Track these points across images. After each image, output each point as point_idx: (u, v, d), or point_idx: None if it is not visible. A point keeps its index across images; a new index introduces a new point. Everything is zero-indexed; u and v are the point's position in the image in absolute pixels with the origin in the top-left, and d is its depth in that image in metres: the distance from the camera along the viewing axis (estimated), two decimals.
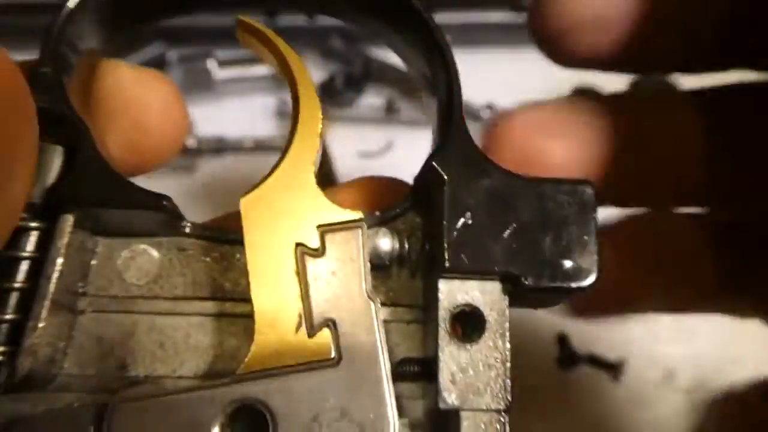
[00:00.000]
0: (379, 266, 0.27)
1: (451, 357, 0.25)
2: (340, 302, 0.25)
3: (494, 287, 0.25)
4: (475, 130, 0.70)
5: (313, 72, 0.73)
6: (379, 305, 0.25)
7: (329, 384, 0.24)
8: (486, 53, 0.72)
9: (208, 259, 0.27)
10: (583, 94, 0.65)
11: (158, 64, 0.64)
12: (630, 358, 0.51)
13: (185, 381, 0.25)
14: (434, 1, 0.71)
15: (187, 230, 0.27)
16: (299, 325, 0.25)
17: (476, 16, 0.71)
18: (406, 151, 0.64)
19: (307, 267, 0.25)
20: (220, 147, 0.63)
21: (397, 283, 0.27)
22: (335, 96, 0.67)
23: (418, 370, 0.26)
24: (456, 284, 0.25)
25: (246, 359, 0.24)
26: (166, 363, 0.26)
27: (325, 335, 0.24)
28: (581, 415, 0.50)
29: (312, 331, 0.24)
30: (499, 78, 0.71)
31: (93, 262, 0.26)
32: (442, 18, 0.70)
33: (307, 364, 0.24)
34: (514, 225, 0.25)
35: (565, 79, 0.70)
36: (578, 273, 0.25)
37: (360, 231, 0.26)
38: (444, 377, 0.24)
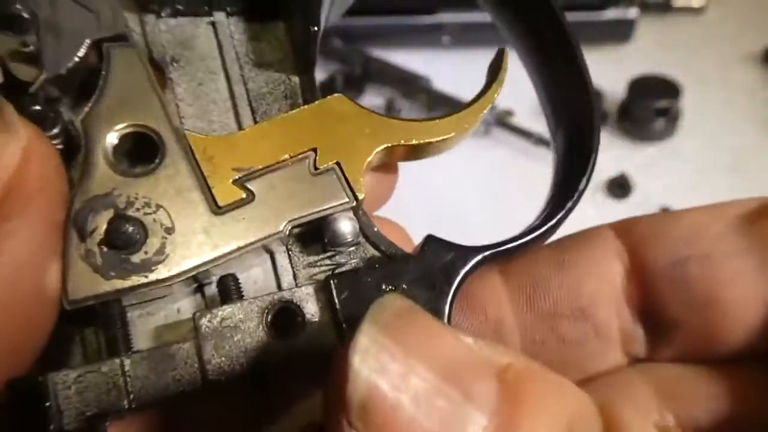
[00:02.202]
0: None
1: None
2: None
3: None
4: (475, 131, 0.70)
5: (316, 72, 0.73)
6: None
7: None
8: (486, 53, 0.72)
9: None
10: None
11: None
12: None
13: None
14: (435, 1, 0.71)
15: None
16: None
17: (476, 16, 0.71)
18: None
19: None
20: None
21: None
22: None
23: None
24: None
25: None
26: None
27: None
28: None
29: None
30: None
31: None
32: (442, 18, 0.71)
33: None
34: None
35: None
36: None
37: None
38: None
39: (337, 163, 0.24)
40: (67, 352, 0.21)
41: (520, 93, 0.73)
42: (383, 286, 0.22)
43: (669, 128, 0.65)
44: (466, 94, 0.72)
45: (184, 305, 0.22)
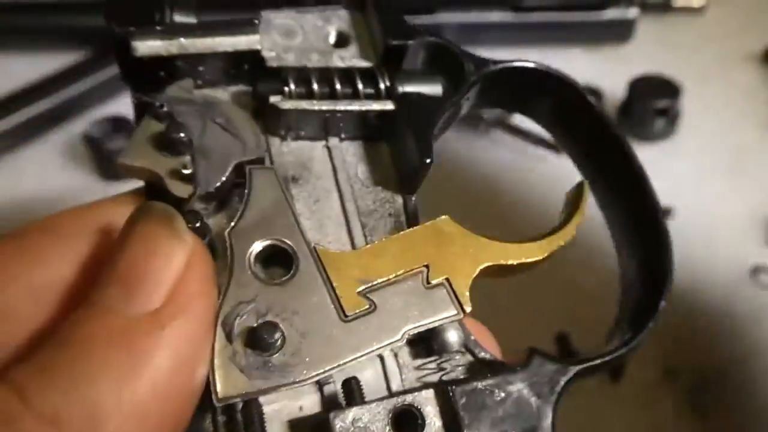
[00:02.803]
0: None
1: None
2: None
3: None
4: (475, 131, 0.70)
5: None
6: None
7: None
8: (486, 53, 0.72)
9: None
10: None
11: None
12: (630, 357, 0.51)
13: None
14: (435, 1, 0.71)
15: None
16: None
17: (476, 16, 0.71)
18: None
19: None
20: None
21: None
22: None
23: None
24: None
25: None
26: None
27: None
28: (581, 415, 0.50)
29: None
30: None
31: None
32: (442, 18, 0.70)
33: None
34: None
35: None
36: None
37: None
38: None
39: (447, 279, 0.27)
40: None
41: None
42: (495, 393, 0.25)
43: (669, 128, 0.65)
44: None
45: (306, 403, 0.25)
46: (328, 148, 0.30)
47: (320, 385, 0.25)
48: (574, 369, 0.27)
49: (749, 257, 0.57)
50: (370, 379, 0.25)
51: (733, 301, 0.55)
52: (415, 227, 0.28)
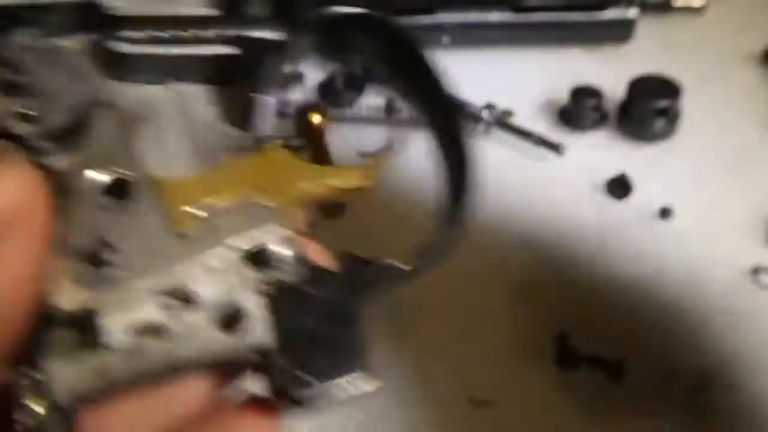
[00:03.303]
0: None
1: None
2: None
3: None
4: (474, 131, 0.70)
5: (313, 72, 0.73)
6: None
7: None
8: (486, 53, 0.73)
9: None
10: (583, 93, 0.65)
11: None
12: (630, 358, 0.51)
13: None
14: (434, 1, 0.71)
15: None
16: None
17: (476, 16, 0.71)
18: (406, 151, 0.64)
19: None
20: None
21: None
22: (335, 96, 0.67)
23: None
24: None
25: None
26: None
27: None
28: (581, 415, 0.50)
29: None
30: (499, 78, 0.71)
31: None
32: (442, 18, 0.70)
33: None
34: None
35: (565, 79, 0.70)
36: None
37: None
38: None
39: (276, 200, 0.30)
40: (41, 353, 0.27)
41: (520, 93, 0.74)
42: (310, 290, 0.29)
43: (669, 128, 0.65)
44: (466, 93, 0.72)
45: (144, 314, 0.27)
46: (174, 92, 0.32)
47: (158, 298, 0.28)
48: (387, 270, 0.31)
49: (749, 257, 0.57)
50: (207, 294, 0.28)
51: (733, 301, 0.55)
52: (246, 156, 0.32)
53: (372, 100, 0.67)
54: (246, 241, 0.29)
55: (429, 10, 0.70)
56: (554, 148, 0.62)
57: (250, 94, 0.32)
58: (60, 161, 0.29)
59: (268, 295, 0.28)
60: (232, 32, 0.32)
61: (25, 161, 0.27)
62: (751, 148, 0.65)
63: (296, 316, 0.28)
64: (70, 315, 0.27)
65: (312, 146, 0.64)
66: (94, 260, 0.27)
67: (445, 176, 0.36)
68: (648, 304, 0.55)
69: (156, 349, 0.27)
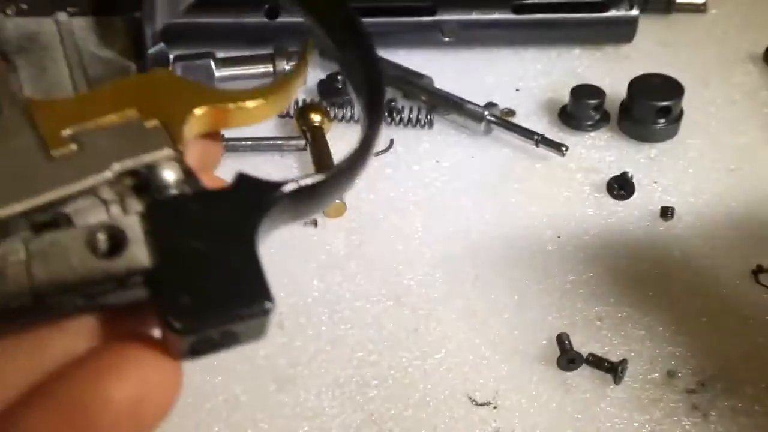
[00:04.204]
0: None
1: None
2: None
3: None
4: (476, 130, 0.70)
5: (313, 72, 0.74)
6: None
7: None
8: (487, 53, 0.72)
9: None
10: (583, 93, 0.65)
11: (160, 62, 0.64)
12: (630, 358, 0.51)
13: None
14: (436, 1, 0.71)
15: None
16: None
17: (476, 15, 0.71)
18: (406, 151, 0.65)
19: None
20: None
21: None
22: (335, 96, 0.67)
23: None
24: None
25: None
26: None
27: None
28: (581, 415, 0.50)
29: None
30: (501, 77, 0.71)
31: None
32: (442, 18, 0.70)
33: None
34: None
35: (565, 78, 0.70)
36: None
37: None
38: None
39: (161, 122, 0.27)
40: None
41: (520, 93, 0.74)
42: (195, 208, 0.25)
43: (670, 128, 0.65)
44: (467, 93, 0.73)
45: (18, 242, 0.25)
46: (57, 22, 0.30)
47: (35, 228, 0.25)
48: (282, 189, 0.27)
49: (749, 257, 0.57)
50: (85, 219, 0.26)
51: (734, 302, 0.55)
52: (129, 77, 0.29)
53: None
54: (128, 164, 0.26)
55: (430, 11, 0.71)
56: (557, 147, 0.62)
57: (136, 20, 0.30)
58: None
59: (146, 215, 0.25)
60: None
61: None
62: (752, 149, 0.65)
63: (179, 236, 0.25)
64: None
65: (312, 146, 0.64)
66: None
67: (357, 91, 0.33)
68: (648, 303, 0.55)
69: (17, 270, 0.23)
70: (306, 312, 0.54)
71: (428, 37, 0.71)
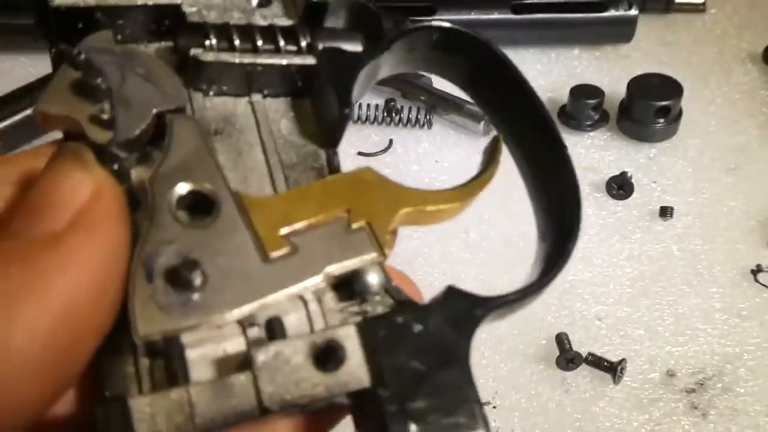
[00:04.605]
0: None
1: None
2: None
3: None
4: (476, 130, 0.70)
5: None
6: None
7: None
8: None
9: None
10: (583, 92, 0.65)
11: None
12: (629, 357, 0.51)
13: None
14: (435, 1, 0.71)
15: None
16: None
17: (476, 16, 0.71)
18: (406, 151, 0.65)
19: None
20: None
21: None
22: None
23: None
24: None
25: None
26: None
27: None
28: (581, 415, 0.50)
29: None
30: None
31: None
32: (441, 17, 0.70)
33: None
34: None
35: (565, 79, 0.70)
36: None
37: None
38: None
39: (368, 223, 0.27)
40: (121, 384, 0.24)
41: None
42: (413, 326, 0.25)
43: (670, 128, 0.65)
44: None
45: (230, 347, 0.25)
46: (251, 104, 0.30)
47: (244, 328, 0.25)
48: (489, 303, 0.27)
49: (749, 257, 0.57)
50: (294, 322, 0.26)
51: (733, 301, 0.55)
52: (336, 174, 0.29)
53: (372, 99, 0.67)
54: (338, 268, 0.26)
55: (430, 11, 0.71)
56: None
57: (340, 109, 0.29)
58: (136, 170, 0.27)
59: (364, 329, 0.25)
60: (309, 42, 0.30)
61: (98, 164, 0.25)
62: (751, 148, 0.65)
63: (397, 353, 0.25)
64: (149, 342, 0.24)
65: None
66: (177, 281, 0.24)
67: (545, 213, 0.34)
68: (648, 303, 0.55)
69: (242, 383, 0.24)
70: None
71: None
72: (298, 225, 0.27)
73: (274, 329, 0.25)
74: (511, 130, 0.35)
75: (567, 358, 0.51)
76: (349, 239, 0.27)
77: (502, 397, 0.50)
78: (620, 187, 0.61)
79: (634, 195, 0.61)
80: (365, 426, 0.25)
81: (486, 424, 0.24)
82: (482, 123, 0.64)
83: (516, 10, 0.71)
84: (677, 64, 0.70)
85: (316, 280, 0.26)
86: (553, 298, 0.55)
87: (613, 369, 0.50)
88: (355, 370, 0.24)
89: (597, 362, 0.51)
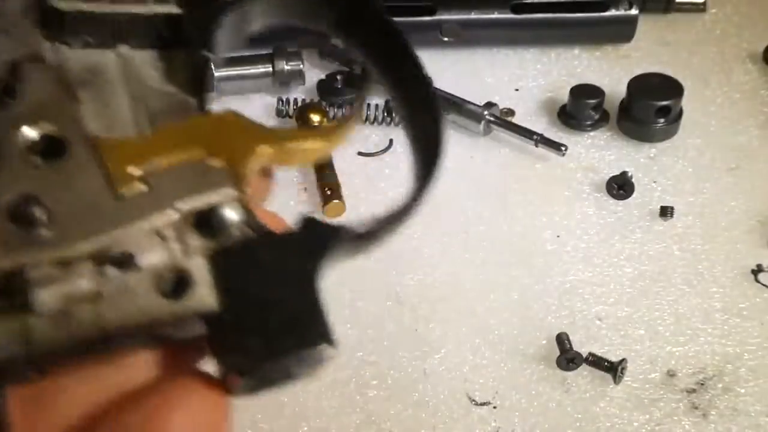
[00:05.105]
0: None
1: None
2: None
3: None
4: (476, 130, 0.70)
5: (312, 72, 0.74)
6: None
7: None
8: (487, 53, 0.72)
9: None
10: (583, 92, 0.65)
11: None
12: (630, 357, 0.51)
13: None
14: (436, 0, 0.71)
15: None
16: None
17: (476, 15, 0.71)
18: (406, 151, 0.64)
19: None
20: None
21: None
22: (335, 96, 0.67)
23: None
24: None
25: None
26: None
27: None
28: (581, 415, 0.50)
29: None
30: (500, 77, 0.71)
31: None
32: (442, 18, 0.70)
33: None
34: None
35: (565, 78, 0.70)
36: None
37: None
38: None
39: (226, 162, 0.27)
40: None
41: (520, 93, 0.74)
42: (263, 254, 0.26)
43: (670, 128, 0.65)
44: (467, 93, 0.72)
45: (79, 282, 0.25)
46: (119, 55, 0.30)
47: (95, 264, 0.25)
48: (342, 231, 0.27)
49: (749, 257, 0.57)
50: (154, 260, 0.26)
51: (734, 301, 0.55)
52: (195, 116, 0.29)
53: (372, 100, 0.67)
54: (193, 204, 0.27)
55: (431, 11, 0.70)
56: (557, 147, 0.62)
57: (201, 55, 0.29)
58: None
59: (213, 257, 0.26)
60: None
61: None
62: (752, 148, 0.65)
63: (245, 279, 0.25)
64: None
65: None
66: (23, 220, 0.25)
67: (416, 151, 0.34)
68: (648, 303, 0.55)
69: (86, 311, 0.24)
70: None
71: (428, 37, 0.71)
72: (154, 164, 0.27)
73: (125, 264, 0.25)
74: (384, 71, 0.35)
75: (567, 358, 0.51)
76: (206, 177, 0.27)
77: (502, 397, 0.50)
78: (620, 187, 0.61)
79: (634, 195, 0.61)
80: (218, 355, 0.25)
81: (332, 344, 0.25)
82: (482, 123, 0.64)
83: (516, 9, 0.71)
84: (678, 64, 0.70)
85: (169, 215, 0.26)
86: (553, 298, 0.55)
87: (614, 369, 0.50)
88: (203, 296, 0.25)
89: (597, 362, 0.51)
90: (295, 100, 0.66)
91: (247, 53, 0.68)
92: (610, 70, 0.71)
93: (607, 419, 0.49)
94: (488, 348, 0.52)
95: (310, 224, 0.27)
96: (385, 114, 0.65)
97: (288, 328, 0.25)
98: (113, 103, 0.30)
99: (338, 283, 0.56)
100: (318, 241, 0.27)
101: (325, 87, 0.68)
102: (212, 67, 0.30)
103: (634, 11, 0.71)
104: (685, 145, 0.65)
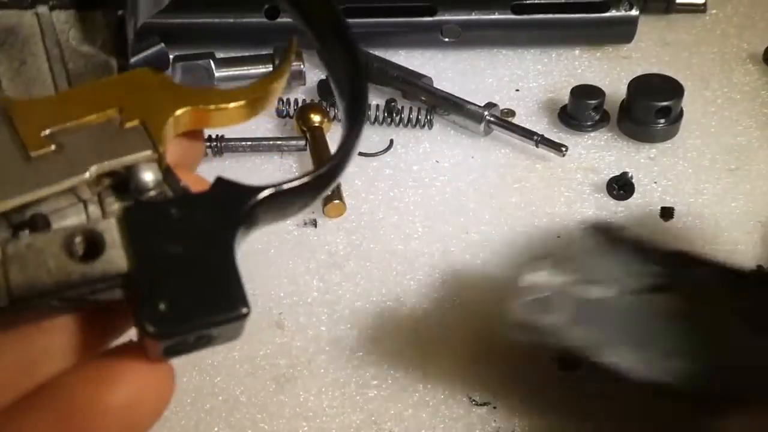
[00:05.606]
0: None
1: None
2: None
3: None
4: (476, 130, 0.70)
5: (313, 72, 0.74)
6: None
7: None
8: (487, 53, 0.72)
9: None
10: (583, 93, 0.65)
11: (159, 62, 0.64)
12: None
13: None
14: (436, 1, 0.71)
15: None
16: None
17: (477, 15, 0.71)
18: (406, 151, 0.65)
19: None
20: (219, 147, 0.63)
21: None
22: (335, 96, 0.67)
23: None
24: None
25: None
26: None
27: None
28: (581, 415, 0.50)
29: None
30: (500, 78, 0.71)
31: None
32: (442, 18, 0.70)
33: None
34: None
35: (565, 79, 0.70)
36: None
37: None
38: None
39: (143, 122, 0.27)
40: None
41: (520, 93, 0.74)
42: (175, 213, 0.25)
43: (670, 128, 0.65)
44: (467, 93, 0.72)
45: None
46: (37, 15, 0.30)
47: (8, 227, 0.25)
48: (261, 194, 0.27)
49: (749, 257, 0.57)
50: (70, 222, 0.25)
51: None
52: (110, 76, 0.29)
53: (372, 99, 0.67)
54: (107, 165, 0.26)
55: (431, 11, 0.71)
56: (557, 147, 0.62)
57: (118, 15, 0.29)
58: None
59: (125, 218, 0.25)
60: None
61: None
62: (752, 149, 0.65)
63: (157, 240, 0.25)
64: None
65: (312, 146, 0.64)
66: None
67: (340, 92, 0.33)
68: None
69: None
70: (306, 312, 0.54)
71: (428, 37, 0.71)
72: (66, 125, 0.26)
73: (39, 227, 0.25)
74: (311, 24, 0.34)
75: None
76: (121, 138, 0.26)
77: (502, 397, 0.50)
78: (621, 187, 0.61)
79: (634, 195, 0.61)
80: (135, 320, 0.24)
81: (246, 305, 0.24)
82: (483, 123, 0.64)
83: (516, 10, 0.71)
84: (678, 65, 0.70)
85: (81, 177, 0.25)
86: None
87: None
88: (114, 257, 0.24)
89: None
90: (296, 100, 0.66)
91: (247, 53, 0.68)
92: (611, 71, 0.71)
93: (607, 419, 0.49)
94: (488, 348, 0.52)
95: (226, 185, 0.26)
96: (385, 114, 0.65)
97: (201, 290, 0.24)
98: (30, 63, 0.29)
99: (338, 283, 0.56)
100: (235, 201, 0.26)
101: (325, 87, 0.68)
102: (130, 26, 0.30)
103: (634, 12, 0.71)
104: (686, 145, 0.65)
